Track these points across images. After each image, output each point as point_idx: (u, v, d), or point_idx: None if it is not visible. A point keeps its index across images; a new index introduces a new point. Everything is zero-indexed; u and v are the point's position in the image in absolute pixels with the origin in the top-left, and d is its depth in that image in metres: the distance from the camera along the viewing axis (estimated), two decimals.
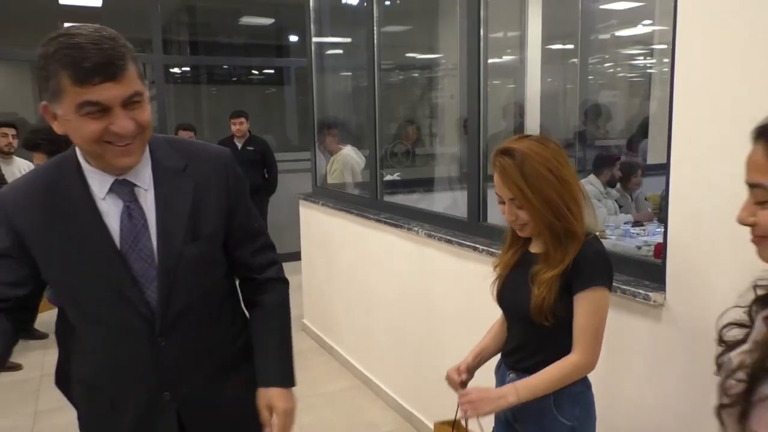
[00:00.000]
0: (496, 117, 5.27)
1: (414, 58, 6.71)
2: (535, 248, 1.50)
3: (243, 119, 5.52)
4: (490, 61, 2.68)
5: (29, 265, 1.17)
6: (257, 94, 8.00)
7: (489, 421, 1.53)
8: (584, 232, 1.41)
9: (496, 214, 2.43)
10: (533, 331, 1.44)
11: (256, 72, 7.94)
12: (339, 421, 3.09)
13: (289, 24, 7.51)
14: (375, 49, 3.47)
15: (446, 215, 2.91)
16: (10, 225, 1.15)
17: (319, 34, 4.57)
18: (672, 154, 1.65)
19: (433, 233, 2.74)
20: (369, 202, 3.56)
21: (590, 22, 5.59)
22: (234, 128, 5.51)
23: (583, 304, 1.38)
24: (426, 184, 4.81)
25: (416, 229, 2.87)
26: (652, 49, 5.50)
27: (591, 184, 3.78)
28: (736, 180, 1.44)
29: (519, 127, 5.08)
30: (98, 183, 1.15)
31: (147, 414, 1.24)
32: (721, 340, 0.94)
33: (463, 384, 1.56)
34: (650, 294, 1.71)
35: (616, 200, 3.93)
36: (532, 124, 5.06)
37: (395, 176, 5.00)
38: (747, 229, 1.40)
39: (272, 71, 7.88)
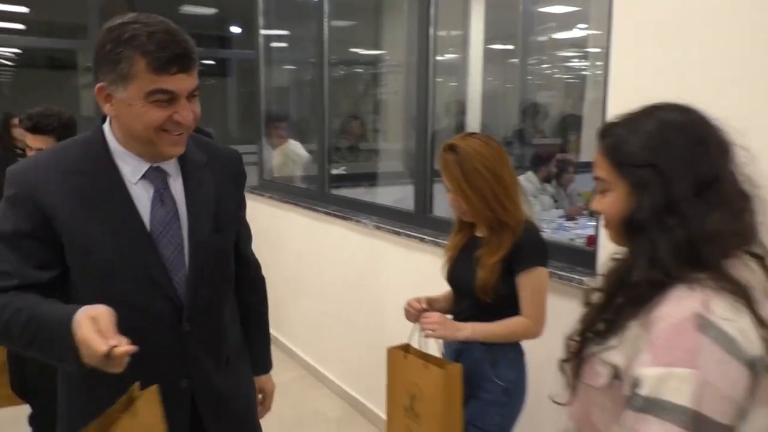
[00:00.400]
0: (439, 114, 5.40)
1: (358, 53, 6.75)
2: (480, 233, 1.69)
3: None
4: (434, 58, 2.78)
5: (53, 247, 1.13)
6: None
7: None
8: (520, 222, 1.61)
9: (443, 207, 2.55)
10: (479, 306, 1.64)
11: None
12: (287, 410, 3.13)
13: (231, 15, 7.40)
14: (324, 43, 3.52)
15: (394, 208, 3.00)
16: (36, 204, 1.11)
17: (266, 27, 4.56)
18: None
19: (381, 225, 2.83)
20: (317, 195, 3.61)
21: (530, 24, 5.80)
22: None
23: (527, 283, 1.59)
24: (370, 179, 4.89)
25: (365, 221, 2.95)
26: (587, 52, 5.78)
27: (528, 180, 3.96)
28: None
29: (461, 125, 5.23)
30: (131, 168, 1.17)
31: (163, 402, 1.20)
32: (586, 303, 1.06)
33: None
34: (584, 279, 1.86)
35: (551, 196, 4.13)
36: (474, 121, 5.22)
37: (341, 170, 5.05)
38: None
39: (213, 62, 7.74)
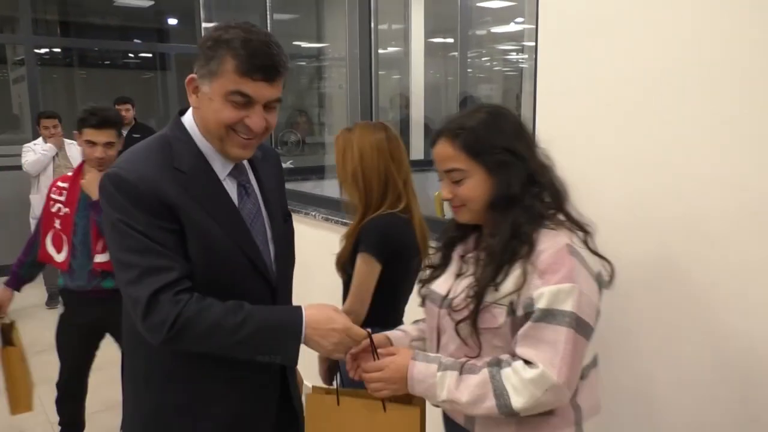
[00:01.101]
0: (384, 107, 5.47)
1: (300, 46, 6.73)
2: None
3: (129, 106, 5.28)
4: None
5: (184, 237, 1.18)
6: (133, 79, 7.62)
7: None
8: (378, 208, 1.76)
9: None
10: (344, 285, 1.86)
11: (132, 56, 7.57)
12: None
13: (168, 7, 7.23)
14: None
15: (342, 199, 3.04)
16: (158, 200, 1.15)
17: (207, 20, 4.50)
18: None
19: (329, 217, 2.88)
20: None
21: (468, 18, 5.92)
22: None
23: (356, 265, 1.74)
24: (318, 172, 4.91)
25: (314, 213, 2.99)
26: (523, 45, 5.96)
27: None
28: (592, 171, 1.72)
29: (405, 118, 5.31)
30: (220, 164, 1.25)
31: (261, 375, 1.31)
32: (420, 280, 1.34)
33: None
34: None
35: None
36: (417, 114, 5.31)
37: (288, 164, 5.05)
38: (599, 206, 1.66)
39: (150, 55, 7.55)
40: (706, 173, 1.47)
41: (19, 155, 4.72)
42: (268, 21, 3.44)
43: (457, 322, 1.17)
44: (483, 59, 6.64)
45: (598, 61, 1.68)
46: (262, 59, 1.12)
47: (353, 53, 2.82)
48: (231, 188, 1.27)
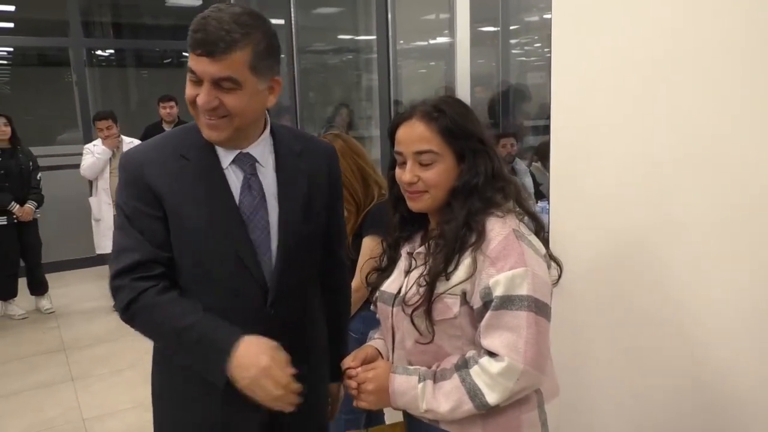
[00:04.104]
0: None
1: (348, 40, 6.69)
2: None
3: (173, 103, 5.38)
4: (421, 43, 2.72)
5: (164, 225, 1.20)
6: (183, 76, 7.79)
7: None
8: (372, 198, 1.92)
9: None
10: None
11: (185, 54, 7.75)
12: None
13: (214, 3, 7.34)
14: (293, 31, 3.47)
15: None
16: (146, 183, 1.18)
17: None
18: (552, 138, 1.76)
19: None
20: None
21: (513, 5, 5.71)
22: (164, 112, 5.36)
23: (362, 246, 1.89)
24: None
25: None
26: None
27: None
28: (606, 161, 1.61)
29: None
30: (224, 153, 1.23)
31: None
32: (367, 283, 1.34)
33: None
34: None
35: (535, 177, 4.05)
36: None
37: None
38: (610, 201, 1.52)
39: None
40: (731, 164, 1.32)
41: (79, 154, 4.77)
42: (292, 16, 3.38)
43: (412, 312, 1.16)
44: (535, 46, 6.40)
45: (613, 49, 1.56)
46: (202, 33, 1.08)
47: (397, 45, 2.71)
48: (234, 178, 1.23)
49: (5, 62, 6.95)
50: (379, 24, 2.61)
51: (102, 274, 5.09)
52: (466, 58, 5.22)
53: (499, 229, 1.12)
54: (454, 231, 1.13)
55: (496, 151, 1.19)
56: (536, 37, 6.31)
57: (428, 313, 1.13)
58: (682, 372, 1.48)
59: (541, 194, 3.88)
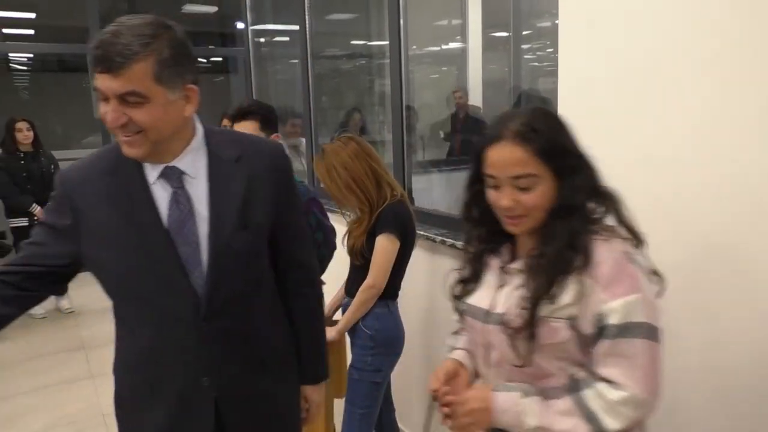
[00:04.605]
0: (441, 104, 5.39)
1: (361, 45, 6.76)
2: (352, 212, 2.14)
3: None
4: (433, 48, 2.77)
5: (75, 244, 1.21)
6: (204, 82, 7.90)
7: None
8: (383, 199, 1.99)
9: (423, 198, 2.57)
10: (354, 267, 2.09)
11: (204, 60, 7.86)
12: None
13: (233, 12, 7.45)
14: (307, 37, 3.54)
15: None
16: (71, 203, 1.20)
17: (261, 22, 4.60)
18: None
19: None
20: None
21: (524, 11, 5.74)
22: None
23: (376, 245, 1.96)
24: None
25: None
26: None
27: None
28: (613, 164, 1.63)
29: (464, 115, 5.20)
30: (150, 168, 1.20)
31: (185, 399, 1.24)
32: (454, 296, 1.25)
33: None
34: None
35: None
36: (474, 110, 5.20)
37: None
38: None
39: (219, 59, 7.82)
40: (738, 169, 1.34)
41: None
42: (307, 22, 3.46)
43: (513, 337, 1.10)
44: (547, 51, 6.42)
45: (618, 53, 1.58)
46: (97, 50, 1.05)
47: (410, 51, 2.76)
48: (163, 193, 1.20)
49: (25, 68, 7.11)
50: (391, 30, 2.67)
51: None
52: (478, 63, 5.28)
53: (606, 252, 1.07)
54: (556, 252, 1.07)
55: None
56: (548, 43, 6.35)
57: (531, 338, 1.08)
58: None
59: None
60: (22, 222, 4.47)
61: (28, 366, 3.79)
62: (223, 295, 1.22)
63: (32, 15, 6.58)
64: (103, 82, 1.06)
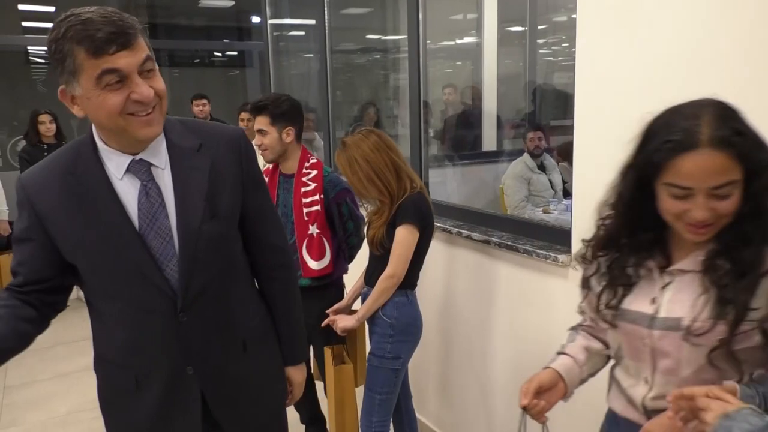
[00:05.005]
0: (455, 99, 5.40)
1: (376, 39, 6.78)
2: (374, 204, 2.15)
3: (205, 101, 5.56)
4: (448, 43, 2.78)
5: (50, 248, 1.19)
6: (219, 76, 7.98)
7: None
8: (403, 190, 2.02)
9: (438, 191, 2.59)
10: (374, 257, 2.12)
11: (219, 54, 7.94)
12: None
13: (249, 6, 7.51)
14: (326, 31, 3.57)
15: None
16: (32, 208, 1.18)
17: (279, 16, 4.63)
18: (575, 137, 1.82)
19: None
20: None
21: (541, 5, 5.73)
22: (196, 110, 5.55)
23: (396, 235, 1.99)
24: None
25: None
26: None
27: (523, 162, 3.96)
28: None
29: (476, 109, 5.22)
30: (115, 164, 1.17)
31: (171, 389, 1.25)
32: (608, 305, 1.14)
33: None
34: (559, 256, 1.89)
35: (561, 174, 4.08)
36: (489, 105, 5.20)
37: None
38: None
39: (235, 53, 7.89)
40: None
41: None
42: (326, 15, 3.49)
43: (712, 350, 1.01)
44: (563, 46, 6.40)
45: (635, 50, 1.60)
46: (107, 29, 1.03)
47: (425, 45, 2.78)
48: (131, 188, 1.18)
49: (43, 61, 7.21)
50: (410, 24, 2.69)
51: None
52: (493, 57, 5.28)
53: None
54: (754, 256, 1.00)
55: None
56: (564, 37, 6.34)
57: (731, 353, 1.01)
58: None
59: (568, 192, 3.93)
60: None
61: (51, 353, 3.90)
62: (197, 284, 1.22)
63: (52, 8, 6.67)
64: (123, 59, 1.05)
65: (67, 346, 3.98)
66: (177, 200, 1.19)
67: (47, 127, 4.52)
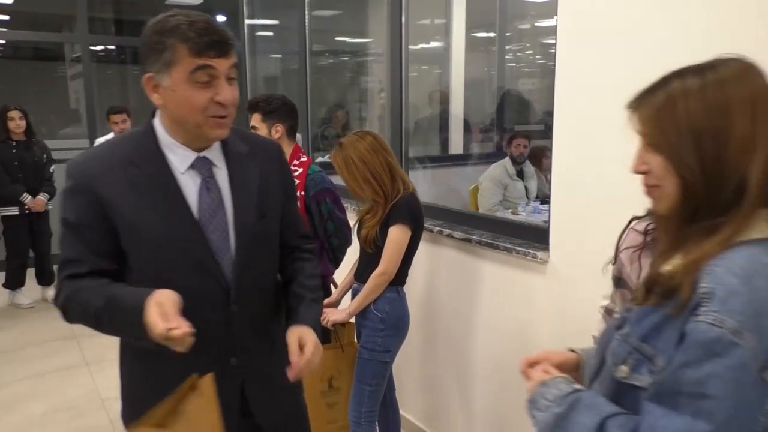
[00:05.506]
0: (423, 103, 5.51)
1: (344, 42, 6.83)
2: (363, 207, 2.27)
3: None
4: (417, 47, 2.87)
5: (112, 236, 1.21)
6: None
7: None
8: (396, 192, 2.10)
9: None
10: (365, 255, 2.19)
11: None
12: None
13: (217, 5, 7.45)
14: (306, 32, 3.62)
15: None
16: (95, 194, 1.20)
17: (250, 16, 4.65)
18: (554, 140, 1.94)
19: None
20: None
21: (510, 12, 5.87)
22: None
23: (389, 234, 2.08)
24: None
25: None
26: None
27: (503, 166, 4.08)
28: (605, 161, 1.78)
29: (444, 113, 5.34)
30: (180, 158, 1.24)
31: (216, 379, 1.25)
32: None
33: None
34: (538, 253, 2.02)
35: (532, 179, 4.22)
36: (456, 109, 5.33)
37: (326, 158, 5.17)
38: (610, 199, 1.60)
39: None
40: None
41: (81, 149, 4.87)
42: (306, 17, 3.55)
43: None
44: (526, 53, 6.59)
45: (615, 59, 1.71)
46: (212, 36, 1.14)
47: (389, 49, 2.88)
48: (192, 183, 1.25)
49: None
50: (393, 27, 2.77)
51: None
52: (460, 62, 5.40)
53: None
54: None
55: None
56: (527, 45, 6.54)
57: None
58: None
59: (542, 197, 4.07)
60: (12, 211, 4.47)
61: (22, 354, 3.83)
62: (248, 278, 1.29)
63: (9, 0, 6.48)
64: (219, 64, 1.16)
65: (40, 347, 3.92)
66: (234, 199, 1.28)
67: (17, 123, 4.42)
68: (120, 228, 1.21)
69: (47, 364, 3.66)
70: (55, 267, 4.60)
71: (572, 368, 1.08)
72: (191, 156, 1.25)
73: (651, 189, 0.92)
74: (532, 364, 1.05)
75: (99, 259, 1.22)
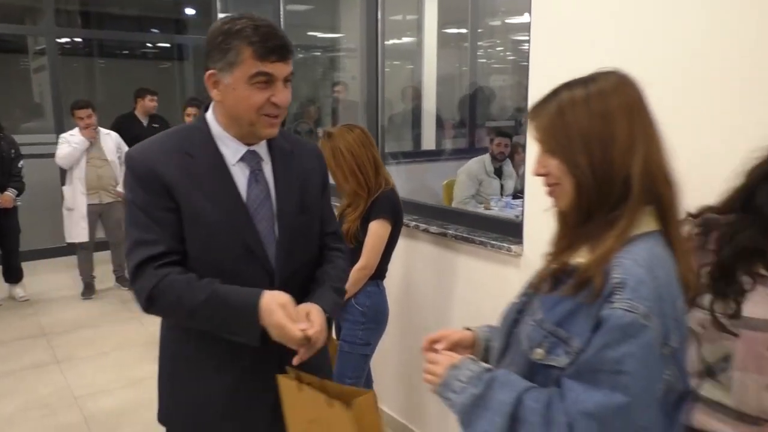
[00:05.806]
0: (396, 99, 5.54)
1: (316, 37, 6.81)
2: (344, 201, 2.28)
3: (156, 97, 5.45)
4: (389, 42, 2.90)
5: (179, 219, 1.28)
6: (151, 69, 7.76)
7: None
8: (379, 186, 2.13)
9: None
10: (350, 251, 2.12)
11: (151, 46, 7.72)
12: None
13: None
14: (281, 26, 3.62)
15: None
16: (159, 179, 1.26)
17: (223, 11, 4.61)
18: (528, 137, 2.00)
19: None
20: None
21: (482, 9, 5.93)
22: (151, 105, 5.40)
23: (370, 229, 2.12)
24: None
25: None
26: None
27: (481, 162, 4.15)
28: None
29: (416, 108, 5.39)
30: (232, 150, 1.33)
31: (257, 361, 1.33)
32: (729, 314, 1.16)
33: None
34: (512, 247, 2.08)
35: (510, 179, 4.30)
36: (429, 105, 5.38)
37: None
38: None
39: (168, 46, 7.70)
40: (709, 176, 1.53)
41: (46, 144, 4.77)
42: (281, 11, 3.54)
43: None
44: (497, 50, 6.67)
45: (589, 55, 1.76)
46: (275, 41, 1.22)
47: (364, 44, 2.90)
48: (241, 174, 1.33)
49: None
50: (369, 23, 2.80)
51: (73, 264, 5.10)
52: (433, 59, 5.45)
53: None
54: None
55: None
56: (498, 41, 6.62)
57: None
58: None
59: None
60: None
61: None
62: (290, 267, 1.37)
63: None
64: (278, 68, 1.24)
65: (7, 346, 3.85)
66: (278, 192, 1.36)
67: None
68: (184, 213, 1.27)
69: (16, 362, 3.60)
70: (22, 264, 4.57)
71: (468, 345, 1.16)
72: (242, 149, 1.33)
73: (552, 189, 1.01)
74: (433, 342, 1.12)
75: (172, 240, 1.27)
